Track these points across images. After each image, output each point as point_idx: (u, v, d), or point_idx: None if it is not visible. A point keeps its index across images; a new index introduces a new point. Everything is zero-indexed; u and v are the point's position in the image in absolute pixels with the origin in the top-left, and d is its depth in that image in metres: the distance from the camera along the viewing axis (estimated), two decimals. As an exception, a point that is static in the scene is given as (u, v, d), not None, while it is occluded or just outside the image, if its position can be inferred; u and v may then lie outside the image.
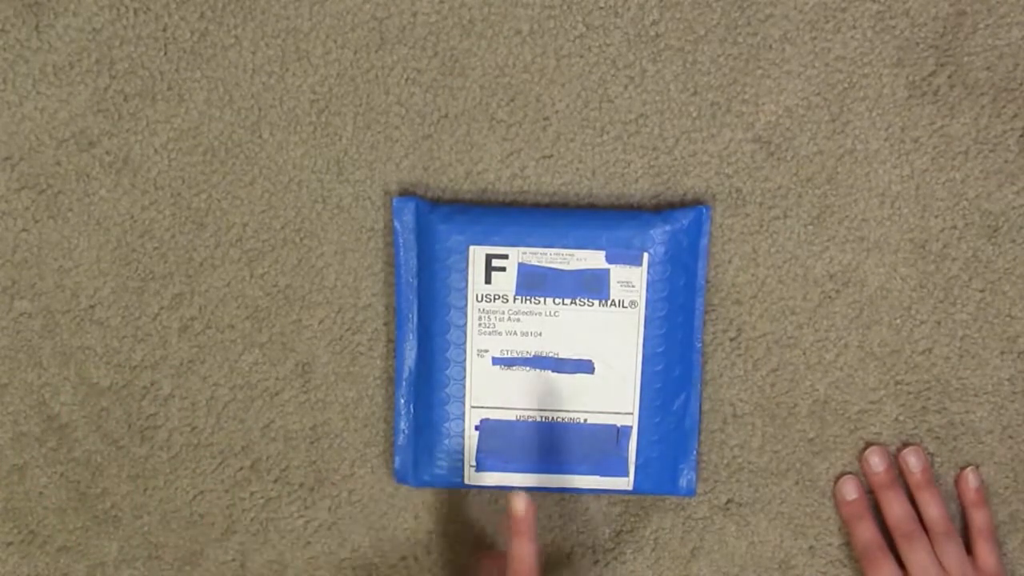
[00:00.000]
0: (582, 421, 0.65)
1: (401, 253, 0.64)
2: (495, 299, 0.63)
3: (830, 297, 0.66)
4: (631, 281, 0.63)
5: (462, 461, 0.65)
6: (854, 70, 0.64)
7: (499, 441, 0.65)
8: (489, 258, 0.63)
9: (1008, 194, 0.65)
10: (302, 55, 0.64)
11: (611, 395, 0.64)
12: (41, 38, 0.64)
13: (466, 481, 0.65)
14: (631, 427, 0.64)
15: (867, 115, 0.64)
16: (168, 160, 0.65)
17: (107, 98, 0.64)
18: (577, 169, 0.65)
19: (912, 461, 0.65)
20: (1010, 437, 0.66)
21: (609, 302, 0.63)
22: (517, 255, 0.63)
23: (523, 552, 0.58)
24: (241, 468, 0.67)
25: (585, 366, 0.64)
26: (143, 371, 0.66)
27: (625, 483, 0.65)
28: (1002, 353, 0.66)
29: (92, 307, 0.66)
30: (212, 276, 0.66)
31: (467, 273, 0.63)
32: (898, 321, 0.66)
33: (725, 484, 0.67)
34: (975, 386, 0.66)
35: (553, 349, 0.64)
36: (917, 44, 0.64)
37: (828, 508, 0.67)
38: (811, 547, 0.67)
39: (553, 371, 0.64)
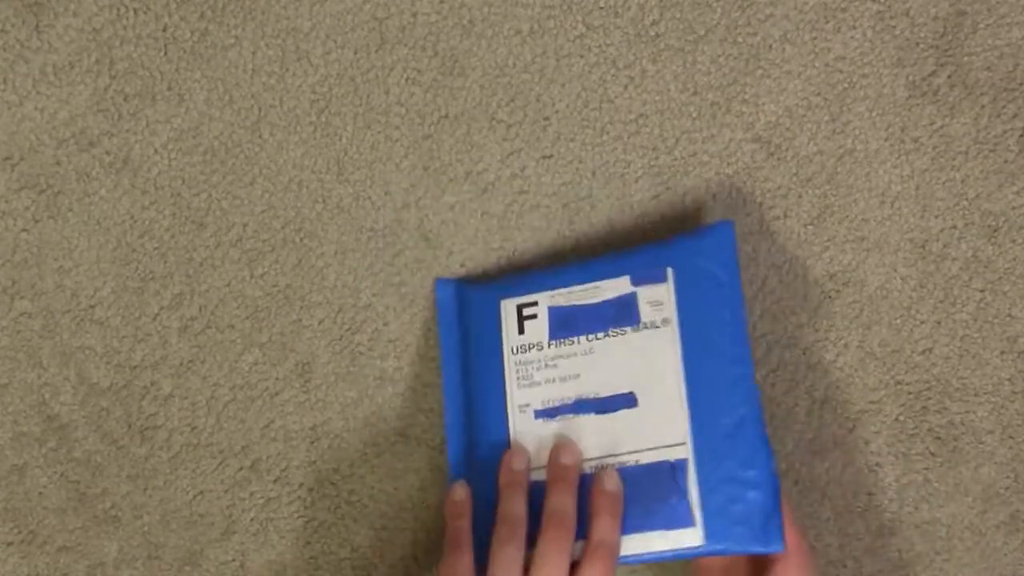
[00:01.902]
0: (634, 463, 0.57)
1: (443, 329, 0.64)
2: (530, 348, 0.60)
3: (830, 297, 0.66)
4: (659, 299, 0.59)
5: None
6: (854, 70, 0.64)
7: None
8: (520, 308, 0.61)
9: (1008, 194, 0.65)
10: (302, 55, 0.64)
11: (660, 426, 0.57)
12: (41, 38, 0.64)
13: None
14: (686, 460, 0.56)
15: (867, 115, 0.64)
16: (168, 160, 0.65)
17: (107, 98, 0.64)
18: (577, 169, 0.65)
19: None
20: (1010, 437, 0.66)
21: (641, 325, 0.59)
22: (546, 300, 0.61)
23: (565, 504, 0.54)
24: (241, 468, 0.67)
25: (628, 400, 0.58)
26: (143, 371, 0.66)
27: (694, 535, 0.55)
28: (1002, 353, 0.66)
29: (92, 307, 0.66)
30: (212, 276, 0.66)
31: (500, 328, 0.61)
32: (898, 321, 0.66)
33: (725, 484, 0.67)
34: (975, 386, 0.66)
35: (593, 389, 0.59)
36: (917, 44, 0.64)
37: (828, 508, 0.67)
38: (810, 547, 0.67)
39: (596, 413, 0.59)
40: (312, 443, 0.67)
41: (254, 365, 0.66)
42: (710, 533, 0.55)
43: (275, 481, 0.67)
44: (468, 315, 0.63)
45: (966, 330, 0.66)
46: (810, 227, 0.65)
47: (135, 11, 0.63)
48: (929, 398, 0.66)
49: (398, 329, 0.66)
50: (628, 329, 0.59)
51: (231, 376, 0.66)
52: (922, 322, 0.66)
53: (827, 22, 0.64)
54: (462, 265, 0.66)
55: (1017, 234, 0.65)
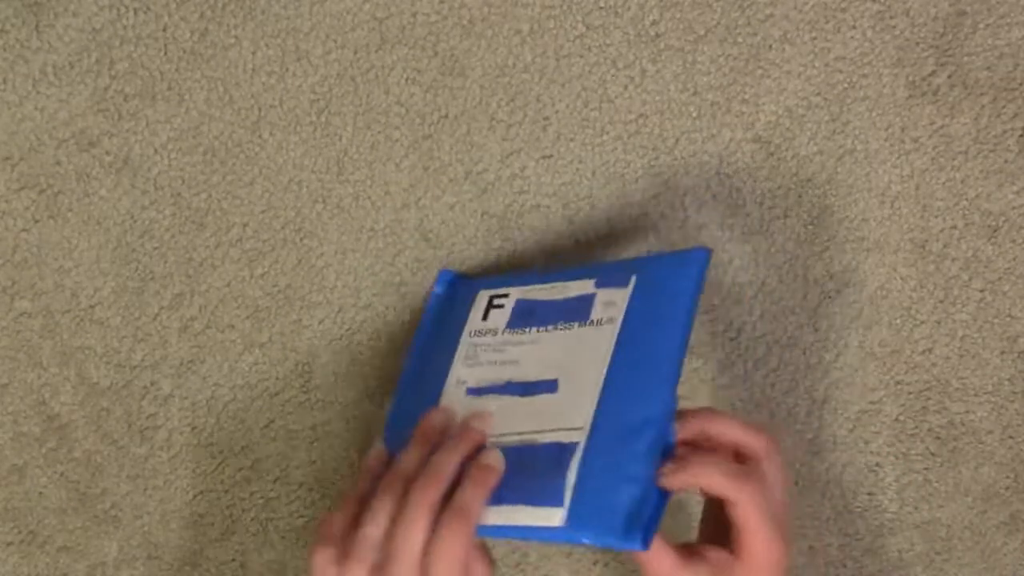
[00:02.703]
0: (531, 443, 0.56)
1: (426, 312, 0.65)
2: (486, 333, 0.61)
3: (830, 297, 0.66)
4: (615, 301, 0.59)
5: None
6: (854, 70, 0.64)
7: None
8: (492, 298, 0.62)
9: (1008, 194, 0.65)
10: (302, 55, 0.64)
11: (567, 411, 0.56)
12: (41, 38, 0.64)
13: None
14: (578, 443, 0.54)
15: (867, 115, 0.64)
16: (168, 160, 0.65)
17: (107, 98, 0.64)
18: (577, 169, 0.65)
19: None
20: (1010, 437, 0.66)
21: (588, 322, 0.58)
22: (517, 293, 0.62)
23: (446, 461, 0.54)
24: (241, 468, 0.67)
25: (549, 386, 0.57)
26: (143, 371, 0.66)
27: (557, 516, 0.53)
28: (1002, 353, 0.66)
29: (92, 307, 0.66)
30: (212, 276, 0.66)
31: (470, 314, 0.62)
32: (898, 321, 0.66)
33: (725, 484, 0.67)
34: (975, 386, 0.66)
35: (524, 375, 0.58)
36: (917, 44, 0.64)
37: (828, 508, 0.67)
38: (811, 547, 0.67)
39: (520, 395, 0.58)
40: (312, 443, 0.67)
41: (254, 365, 0.66)
42: (572, 515, 0.52)
43: (275, 481, 0.67)
44: (451, 302, 0.64)
45: (966, 330, 0.66)
46: (810, 227, 0.65)
47: (135, 11, 0.63)
48: (929, 398, 0.66)
49: (398, 329, 0.66)
50: (575, 324, 0.59)
51: (231, 376, 0.66)
52: (922, 322, 0.66)
53: (827, 22, 0.64)
54: (462, 265, 0.66)
55: (1017, 234, 0.65)
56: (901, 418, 0.66)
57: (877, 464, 0.67)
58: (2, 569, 0.67)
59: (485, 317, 0.62)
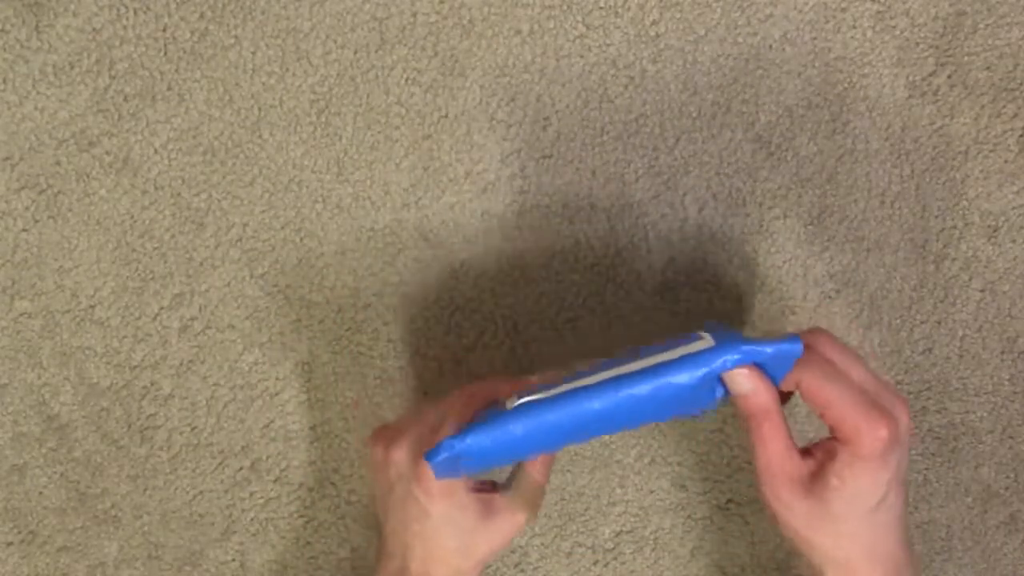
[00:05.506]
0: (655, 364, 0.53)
1: None
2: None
3: (830, 297, 0.66)
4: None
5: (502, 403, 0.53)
6: (854, 70, 0.64)
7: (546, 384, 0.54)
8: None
9: (1008, 194, 0.65)
10: (302, 55, 0.64)
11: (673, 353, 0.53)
12: (41, 38, 0.64)
13: (508, 406, 0.52)
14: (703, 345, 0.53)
15: (867, 115, 0.64)
16: (168, 160, 0.65)
17: (107, 98, 0.64)
18: (577, 169, 0.65)
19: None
20: (1010, 437, 0.66)
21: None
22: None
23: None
24: (241, 468, 0.67)
25: (633, 353, 0.55)
26: (143, 371, 0.66)
27: (703, 343, 0.52)
28: (1002, 353, 0.66)
29: (92, 307, 0.66)
30: (212, 276, 0.66)
31: None
32: (898, 321, 0.66)
33: (725, 484, 0.67)
34: (975, 386, 0.66)
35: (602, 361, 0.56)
36: (917, 44, 0.64)
37: (828, 508, 0.67)
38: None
39: (605, 370, 0.53)
40: (312, 443, 0.67)
41: (254, 365, 0.66)
42: (719, 338, 0.52)
43: (275, 481, 0.67)
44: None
45: (966, 330, 0.66)
46: (810, 227, 0.65)
47: (135, 11, 0.63)
48: (929, 398, 0.66)
49: (398, 329, 0.66)
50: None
51: (231, 376, 0.66)
52: (922, 322, 0.66)
53: (827, 22, 0.63)
54: (462, 264, 0.66)
55: (1017, 234, 0.65)
56: (901, 418, 0.66)
57: (877, 464, 0.67)
58: (2, 569, 0.67)
59: None
